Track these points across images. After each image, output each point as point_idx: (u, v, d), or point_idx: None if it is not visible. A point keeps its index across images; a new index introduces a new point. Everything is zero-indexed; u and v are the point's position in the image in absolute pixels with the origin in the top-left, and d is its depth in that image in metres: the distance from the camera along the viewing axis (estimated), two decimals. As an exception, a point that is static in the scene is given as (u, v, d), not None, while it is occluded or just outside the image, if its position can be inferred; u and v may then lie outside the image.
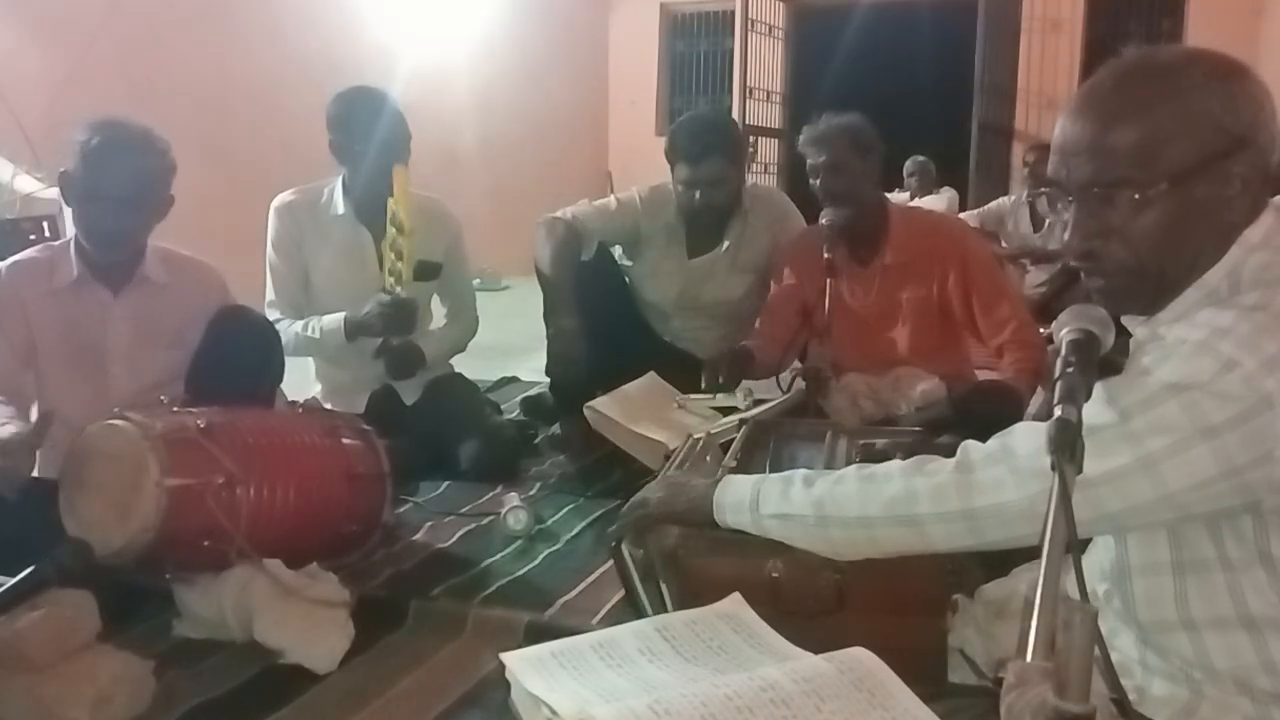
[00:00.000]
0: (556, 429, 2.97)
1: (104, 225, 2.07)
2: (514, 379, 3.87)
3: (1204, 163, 1.01)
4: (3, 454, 1.71)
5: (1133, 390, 0.99)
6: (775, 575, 1.33)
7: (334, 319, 2.66)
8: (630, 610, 1.49)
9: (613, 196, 3.11)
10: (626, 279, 3.16)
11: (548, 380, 3.04)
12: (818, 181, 2.63)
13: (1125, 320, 1.11)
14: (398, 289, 2.57)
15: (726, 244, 2.99)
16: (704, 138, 2.85)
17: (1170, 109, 1.01)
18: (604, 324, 2.89)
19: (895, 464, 1.22)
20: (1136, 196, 1.02)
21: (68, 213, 3.69)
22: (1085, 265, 1.09)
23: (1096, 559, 1.12)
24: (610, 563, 2.07)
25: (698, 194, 2.86)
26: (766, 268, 2.99)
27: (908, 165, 6.95)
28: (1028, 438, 1.09)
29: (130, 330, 2.17)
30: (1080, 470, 0.86)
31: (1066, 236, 1.09)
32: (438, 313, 3.00)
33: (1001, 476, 1.09)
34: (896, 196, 6.51)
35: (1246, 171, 1.01)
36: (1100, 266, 1.07)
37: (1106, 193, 1.04)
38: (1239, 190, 1.01)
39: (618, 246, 3.14)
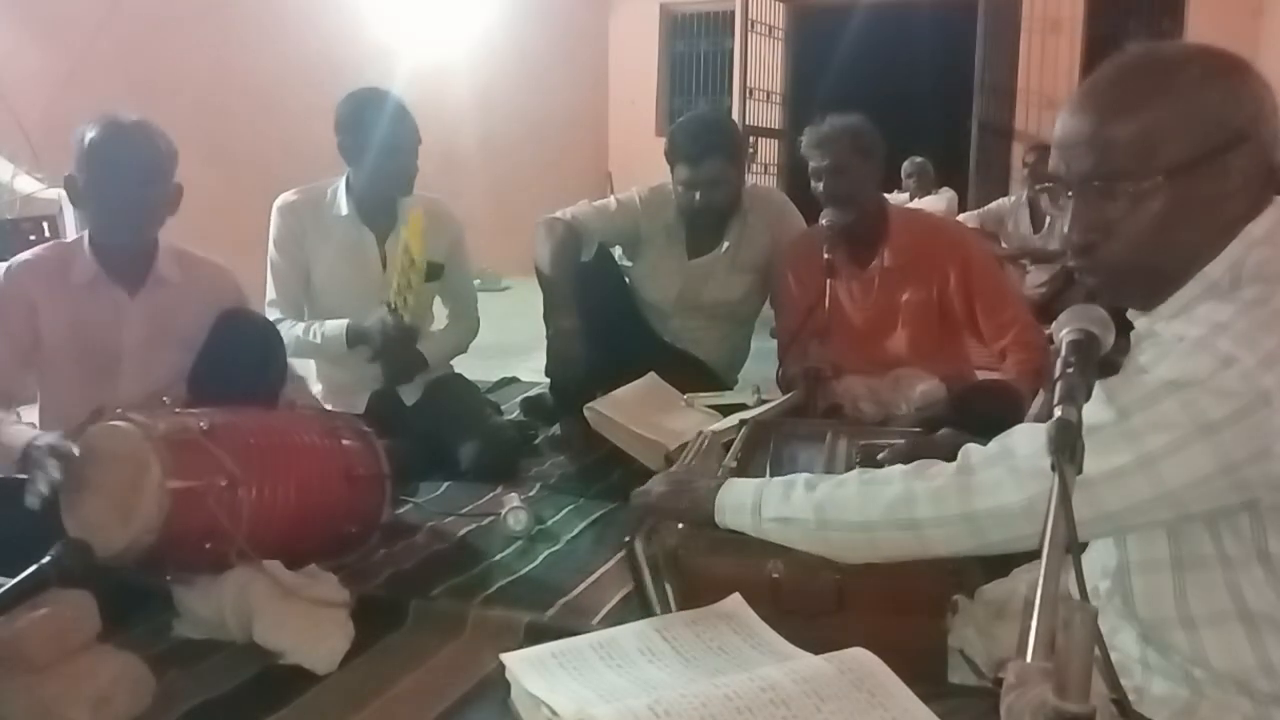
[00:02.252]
0: (556, 429, 2.97)
1: (118, 220, 2.08)
2: (514, 379, 3.87)
3: (1203, 157, 1.01)
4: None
5: (1131, 388, 0.99)
6: (775, 575, 1.33)
7: (336, 325, 2.66)
8: (634, 608, 1.49)
9: (612, 197, 3.12)
10: (626, 279, 3.16)
11: (548, 380, 3.05)
12: (820, 184, 2.63)
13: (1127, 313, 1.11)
14: (403, 313, 2.58)
15: (726, 244, 2.99)
16: (704, 138, 2.85)
17: (1169, 103, 1.01)
18: (604, 324, 2.89)
19: (896, 468, 1.22)
20: (1134, 189, 1.02)
21: (68, 213, 3.73)
22: (1083, 261, 1.09)
23: (1098, 557, 1.12)
24: (610, 562, 2.10)
25: (698, 195, 2.86)
26: (766, 268, 2.99)
27: (906, 166, 6.96)
28: (1027, 439, 1.09)
29: (145, 330, 2.17)
30: (1080, 471, 0.86)
31: (1065, 229, 1.09)
32: (439, 314, 3.00)
33: (1001, 478, 1.09)
34: (895, 198, 6.52)
35: (1247, 166, 1.01)
36: (1097, 261, 1.08)
37: (1105, 185, 1.04)
38: (1239, 185, 1.01)
39: (618, 247, 3.14)
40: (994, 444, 1.13)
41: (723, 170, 2.86)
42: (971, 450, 1.15)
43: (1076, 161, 1.06)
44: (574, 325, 2.74)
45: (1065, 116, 1.08)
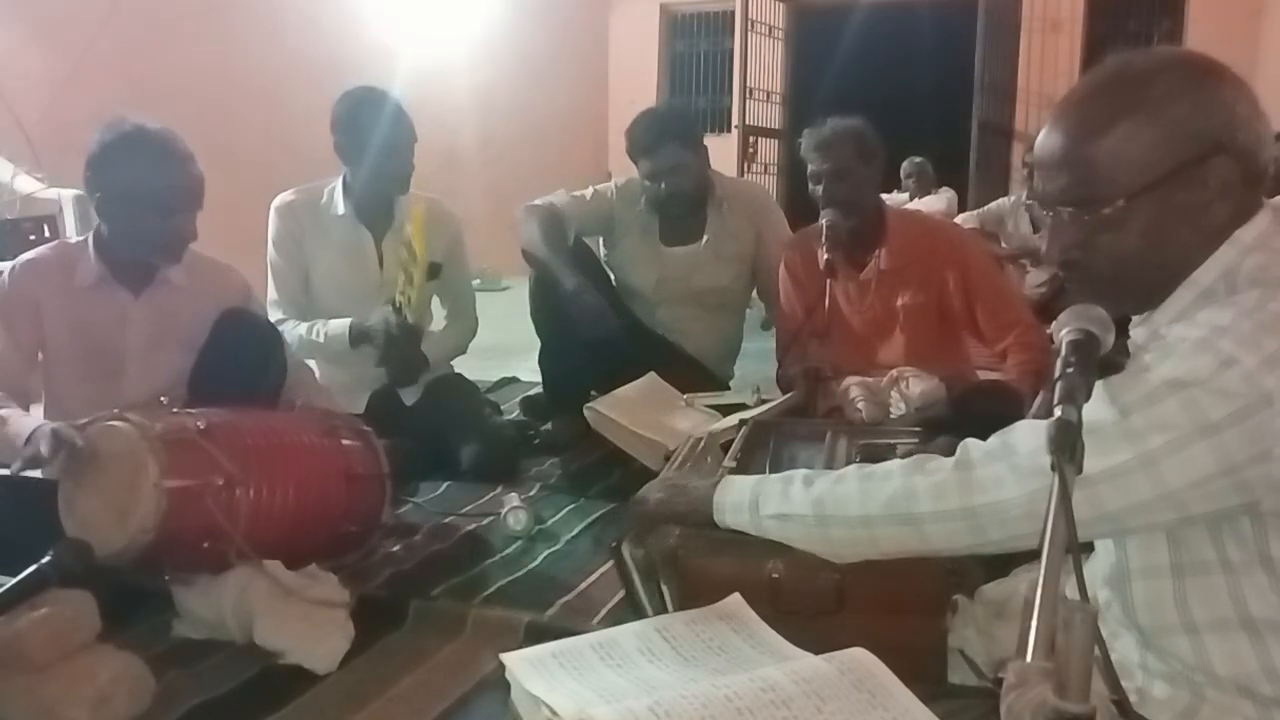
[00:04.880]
0: (548, 427, 2.98)
1: (157, 236, 2.07)
2: (514, 379, 3.87)
3: (1177, 170, 1.01)
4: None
5: (1132, 388, 0.99)
6: (775, 575, 1.33)
7: (339, 325, 2.66)
8: (630, 610, 1.49)
9: (590, 188, 3.14)
10: (609, 271, 3.17)
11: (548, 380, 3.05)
12: (819, 187, 2.63)
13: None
14: (406, 312, 2.59)
15: (706, 238, 3.03)
16: (657, 128, 2.92)
17: (1138, 121, 1.02)
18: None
19: (895, 463, 1.22)
20: (1110, 210, 1.03)
21: (68, 213, 3.73)
22: (1067, 274, 1.11)
23: (1097, 565, 1.12)
24: (610, 563, 2.09)
25: (663, 185, 2.91)
26: (752, 259, 3.03)
27: (905, 167, 6.96)
28: (1028, 435, 1.08)
29: (149, 332, 2.17)
30: (1080, 471, 0.86)
31: (1044, 248, 1.10)
32: (438, 314, 3.00)
33: (1001, 474, 1.08)
34: (895, 198, 6.52)
35: (1226, 174, 1.01)
36: (1082, 274, 1.09)
37: (1078, 209, 1.05)
38: (1218, 193, 1.02)
39: (598, 239, 3.17)
40: (994, 439, 1.13)
41: (680, 155, 2.90)
42: (971, 445, 1.14)
43: (1050, 182, 1.08)
44: (584, 281, 2.76)
45: (1042, 135, 1.10)
